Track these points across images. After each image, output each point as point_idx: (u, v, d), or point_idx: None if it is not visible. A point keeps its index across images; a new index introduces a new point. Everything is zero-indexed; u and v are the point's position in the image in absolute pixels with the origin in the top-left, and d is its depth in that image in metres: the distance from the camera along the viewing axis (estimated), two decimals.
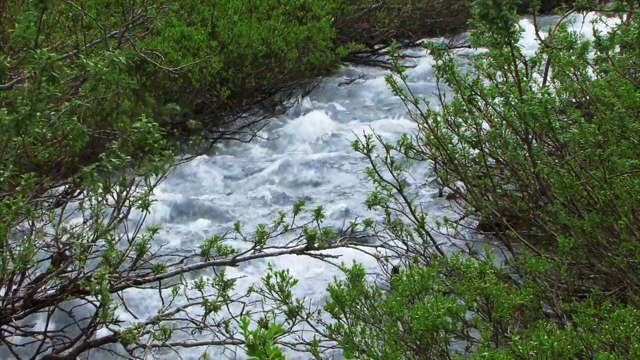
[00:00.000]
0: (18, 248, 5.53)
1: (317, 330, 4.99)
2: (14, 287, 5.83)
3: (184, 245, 7.67)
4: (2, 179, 5.26)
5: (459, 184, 6.88)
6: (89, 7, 9.32)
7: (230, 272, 6.28)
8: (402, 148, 6.21)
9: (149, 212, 5.75)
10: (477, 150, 6.48)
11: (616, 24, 6.01)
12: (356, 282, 4.81)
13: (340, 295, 4.68)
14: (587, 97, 5.91)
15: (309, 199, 8.57)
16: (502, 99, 5.82)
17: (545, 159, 5.83)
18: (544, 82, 6.77)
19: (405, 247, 6.21)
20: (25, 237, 5.59)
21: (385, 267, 6.19)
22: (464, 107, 6.32)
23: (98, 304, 5.63)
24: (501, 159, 6.41)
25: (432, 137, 6.48)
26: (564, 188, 5.51)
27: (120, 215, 5.79)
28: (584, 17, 6.44)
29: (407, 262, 6.08)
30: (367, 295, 4.76)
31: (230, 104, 10.62)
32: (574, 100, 6.20)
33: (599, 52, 5.80)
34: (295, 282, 5.17)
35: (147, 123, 5.48)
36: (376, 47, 13.30)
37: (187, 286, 5.92)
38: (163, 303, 5.91)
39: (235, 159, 9.88)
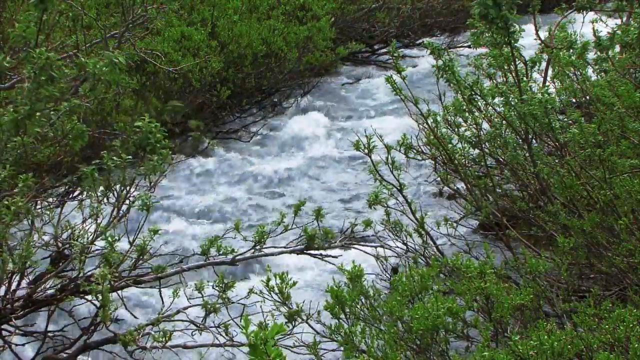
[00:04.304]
0: (18, 248, 5.53)
1: (316, 331, 4.99)
2: (14, 286, 5.83)
3: (183, 245, 7.66)
4: (0, 179, 5.26)
5: (459, 184, 6.88)
6: (89, 7, 9.32)
7: (230, 274, 6.28)
8: (402, 148, 6.21)
9: (149, 212, 5.75)
10: (477, 150, 6.48)
11: (616, 24, 6.01)
12: (356, 282, 4.80)
13: (340, 295, 4.68)
14: (587, 97, 5.92)
15: (309, 199, 8.57)
16: (502, 99, 5.82)
17: (545, 159, 5.83)
18: (544, 82, 6.77)
19: (405, 247, 6.21)
20: (24, 236, 5.59)
21: (384, 267, 6.18)
22: (464, 107, 6.32)
23: (98, 304, 5.62)
24: (501, 159, 6.41)
25: (432, 137, 6.48)
26: (564, 188, 5.51)
27: (120, 214, 5.79)
28: (584, 17, 6.44)
29: (406, 262, 6.07)
30: (367, 295, 4.75)
31: (230, 104, 10.62)
32: (574, 100, 6.20)
33: (599, 52, 5.80)
34: (294, 283, 5.16)
35: (149, 123, 5.48)
36: (376, 47, 13.30)
37: (186, 286, 5.92)
38: (163, 303, 5.90)
39: (235, 159, 9.88)
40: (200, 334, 5.83)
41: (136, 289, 6.26)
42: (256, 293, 5.35)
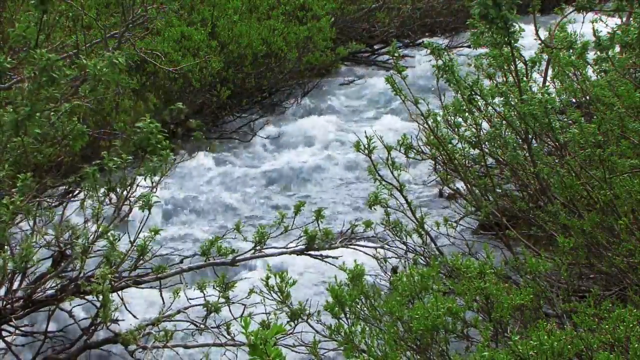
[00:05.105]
0: (18, 248, 5.54)
1: (317, 331, 4.99)
2: (14, 287, 5.83)
3: (184, 245, 7.67)
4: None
5: (459, 184, 6.88)
6: (89, 7, 9.32)
7: (231, 274, 6.28)
8: (402, 148, 6.21)
9: (150, 212, 5.76)
10: (477, 150, 6.48)
11: (616, 24, 6.01)
12: (356, 282, 4.81)
13: (340, 295, 4.68)
14: (587, 97, 5.92)
15: (309, 199, 8.57)
16: (502, 99, 5.82)
17: (545, 159, 5.83)
18: (544, 82, 6.77)
19: (405, 248, 6.21)
20: (25, 236, 5.59)
21: (384, 267, 6.19)
22: (464, 107, 6.33)
23: (98, 304, 5.63)
24: (501, 159, 6.41)
25: (432, 137, 6.48)
26: (564, 188, 5.51)
27: (122, 215, 5.80)
28: (584, 17, 6.43)
29: (406, 263, 6.08)
30: (367, 295, 4.76)
31: (230, 104, 10.62)
32: (574, 100, 6.20)
33: (599, 52, 5.80)
34: (294, 282, 5.16)
35: (149, 123, 5.48)
36: (376, 47, 13.30)
37: (187, 286, 5.92)
38: (164, 303, 5.91)
39: (235, 159, 9.88)
40: (201, 333, 5.83)
41: (136, 289, 6.26)
42: (256, 292, 5.35)
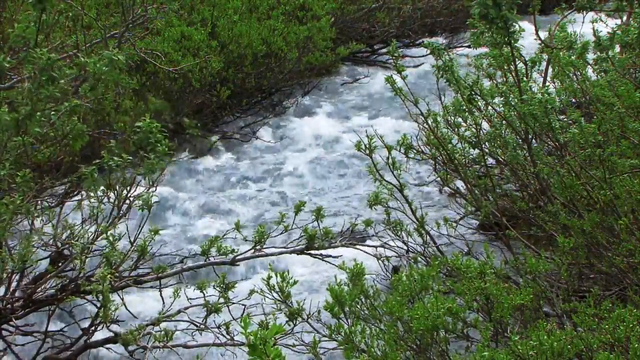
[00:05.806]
0: (17, 247, 5.54)
1: (317, 331, 4.99)
2: (14, 286, 5.84)
3: (183, 245, 7.66)
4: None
5: (459, 184, 6.88)
6: (89, 7, 9.31)
7: (231, 274, 6.28)
8: (402, 148, 6.21)
9: (149, 212, 5.76)
10: (477, 150, 6.48)
11: (616, 24, 6.01)
12: (356, 281, 4.81)
13: (340, 295, 4.68)
14: (587, 97, 5.92)
15: (309, 199, 8.57)
16: (502, 99, 5.82)
17: (545, 159, 5.83)
18: (544, 82, 6.78)
19: (405, 247, 6.21)
20: (24, 236, 5.59)
21: (385, 267, 6.19)
22: (464, 107, 6.33)
23: (98, 304, 5.63)
24: (501, 159, 6.42)
25: (432, 137, 6.48)
26: (564, 188, 5.51)
27: (120, 214, 5.80)
28: (584, 17, 6.44)
29: (407, 262, 6.08)
30: (367, 295, 4.75)
31: (230, 104, 10.61)
32: (574, 100, 6.20)
33: (599, 52, 5.80)
34: (295, 282, 5.16)
35: (149, 123, 5.48)
36: (376, 47, 13.29)
37: (187, 286, 5.92)
38: (164, 303, 5.90)
39: (235, 159, 9.88)
40: (201, 334, 5.83)
41: (136, 289, 6.26)
42: (257, 292, 5.34)
